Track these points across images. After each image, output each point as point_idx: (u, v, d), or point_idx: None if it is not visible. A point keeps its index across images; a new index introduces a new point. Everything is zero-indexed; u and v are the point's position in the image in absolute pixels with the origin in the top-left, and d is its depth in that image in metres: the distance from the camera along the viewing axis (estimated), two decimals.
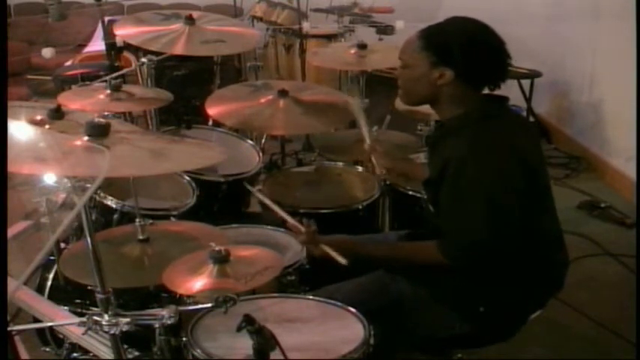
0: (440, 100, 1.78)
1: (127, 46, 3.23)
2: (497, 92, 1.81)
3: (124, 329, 1.45)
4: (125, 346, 1.65)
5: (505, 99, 1.83)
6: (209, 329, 1.59)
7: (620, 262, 3.09)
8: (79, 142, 1.34)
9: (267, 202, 2.09)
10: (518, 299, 1.80)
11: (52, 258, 2.12)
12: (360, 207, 2.30)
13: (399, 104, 2.89)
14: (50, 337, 2.11)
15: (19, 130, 1.33)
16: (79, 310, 1.97)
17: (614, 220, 3.55)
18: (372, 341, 1.56)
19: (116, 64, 3.25)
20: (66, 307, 1.95)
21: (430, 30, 1.76)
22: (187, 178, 2.35)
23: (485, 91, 1.80)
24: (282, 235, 2.09)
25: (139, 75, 2.76)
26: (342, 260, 1.78)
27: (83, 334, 1.48)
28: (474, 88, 1.76)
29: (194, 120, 2.87)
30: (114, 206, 2.10)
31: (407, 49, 1.80)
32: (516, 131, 1.80)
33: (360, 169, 2.60)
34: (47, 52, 3.23)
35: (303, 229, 1.87)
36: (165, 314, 1.45)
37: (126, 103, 2.21)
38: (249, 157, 2.64)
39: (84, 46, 4.66)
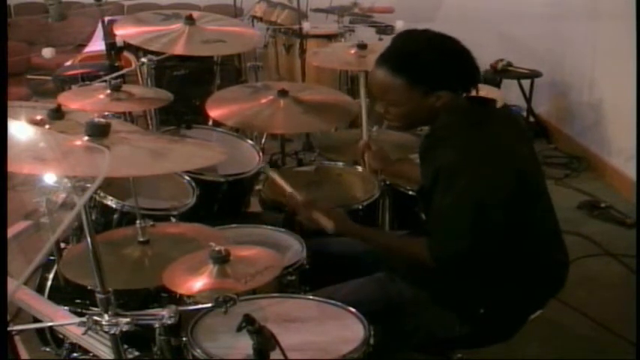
0: (435, 116, 1.76)
1: (127, 46, 3.23)
2: (497, 93, 1.80)
3: (124, 329, 1.45)
4: (125, 346, 1.65)
5: (492, 101, 1.80)
6: (209, 329, 1.59)
7: (620, 262, 3.09)
8: (79, 142, 1.34)
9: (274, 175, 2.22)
10: (518, 300, 1.80)
11: (52, 258, 2.12)
12: (360, 207, 2.30)
13: None
14: (50, 337, 2.11)
15: (19, 130, 1.33)
16: (79, 310, 1.97)
17: (614, 220, 3.55)
18: (371, 341, 1.56)
19: (116, 64, 3.24)
20: (66, 307, 1.95)
21: (407, 64, 1.69)
22: (187, 178, 2.35)
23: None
24: (282, 235, 2.09)
25: (139, 75, 2.76)
26: (329, 226, 1.86)
27: (83, 334, 1.48)
28: (461, 94, 1.75)
29: (194, 120, 2.87)
30: (114, 206, 2.10)
31: (388, 89, 1.73)
32: (507, 135, 1.77)
33: (359, 169, 2.59)
34: (47, 52, 3.23)
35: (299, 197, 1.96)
36: (165, 314, 1.45)
37: (126, 103, 2.21)
38: (249, 157, 2.63)
39: (84, 46, 4.65)
